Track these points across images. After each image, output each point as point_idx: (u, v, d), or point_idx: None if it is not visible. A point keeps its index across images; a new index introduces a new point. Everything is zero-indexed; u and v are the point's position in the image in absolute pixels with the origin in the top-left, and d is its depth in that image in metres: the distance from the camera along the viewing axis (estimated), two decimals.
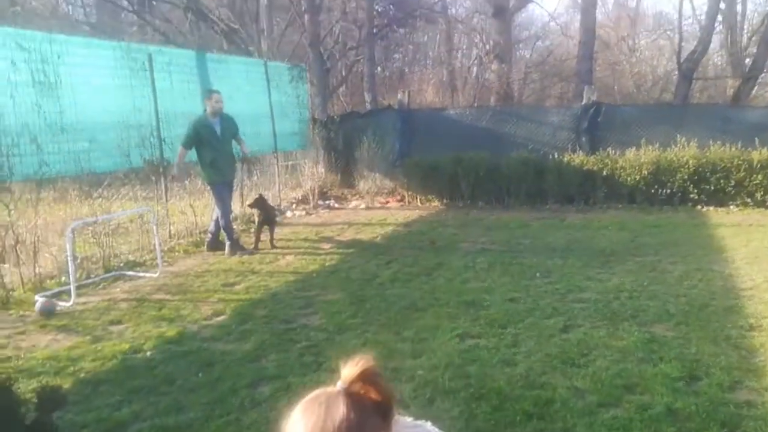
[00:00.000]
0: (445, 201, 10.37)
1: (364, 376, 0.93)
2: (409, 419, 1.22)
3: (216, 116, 6.77)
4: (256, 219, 7.32)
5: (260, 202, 7.24)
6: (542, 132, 11.08)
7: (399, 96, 11.53)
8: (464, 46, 22.66)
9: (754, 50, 16.45)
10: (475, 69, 19.92)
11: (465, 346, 3.99)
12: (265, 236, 7.21)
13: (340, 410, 0.90)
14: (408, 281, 5.61)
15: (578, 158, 9.95)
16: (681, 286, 5.18)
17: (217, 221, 7.00)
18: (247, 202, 7.73)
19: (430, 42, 23.63)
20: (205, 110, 6.82)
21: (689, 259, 6.08)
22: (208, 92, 6.98)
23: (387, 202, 10.68)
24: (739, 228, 7.71)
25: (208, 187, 7.12)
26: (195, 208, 7.91)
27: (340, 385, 0.93)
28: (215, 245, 7.07)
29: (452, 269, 5.97)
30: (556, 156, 10.09)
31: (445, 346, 3.97)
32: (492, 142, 10.69)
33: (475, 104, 15.32)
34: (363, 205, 10.41)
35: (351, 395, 0.92)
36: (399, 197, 10.82)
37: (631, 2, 22.90)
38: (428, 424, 1.23)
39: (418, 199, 10.65)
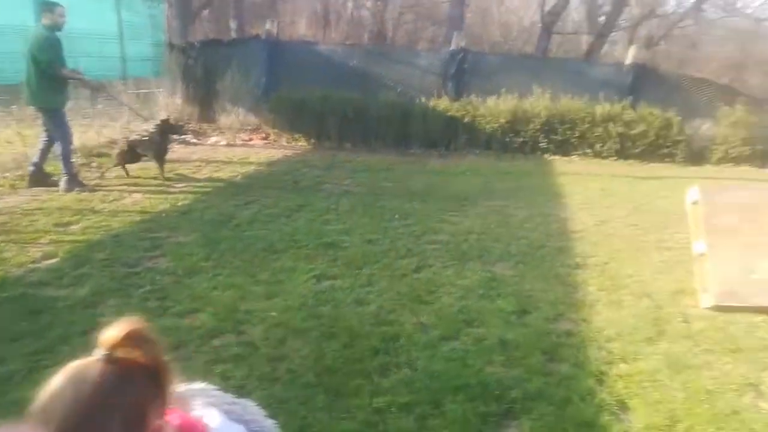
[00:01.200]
0: (312, 141, 10.18)
1: (128, 339, 0.84)
2: (229, 396, 1.16)
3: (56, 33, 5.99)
4: (123, 148, 6.74)
5: (167, 128, 6.89)
6: (412, 75, 11.16)
7: (267, 26, 10.90)
8: None
9: (608, 9, 17.72)
10: (350, 4, 19.44)
11: (321, 287, 4.02)
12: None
13: (96, 378, 0.80)
14: (267, 222, 5.48)
15: (443, 103, 10.22)
16: (523, 229, 5.61)
17: (44, 151, 6.29)
18: (150, 128, 7.01)
19: None
20: (44, 25, 5.95)
21: (532, 204, 6.57)
22: (49, 4, 6.06)
23: (250, 140, 10.24)
24: (578, 176, 8.46)
25: (44, 113, 6.29)
26: (25, 137, 7.01)
27: (98, 351, 0.84)
28: (39, 179, 6.34)
29: (314, 211, 5.93)
30: (423, 100, 10.27)
31: (300, 288, 3.96)
32: (362, 82, 10.59)
33: (348, 41, 15.02)
34: (224, 142, 9.88)
35: (112, 361, 0.83)
36: (264, 135, 10.41)
37: None
38: (249, 403, 1.18)
39: (284, 138, 10.34)
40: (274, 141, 10.28)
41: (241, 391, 2.58)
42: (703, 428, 2.57)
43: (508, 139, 10.13)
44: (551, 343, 3.31)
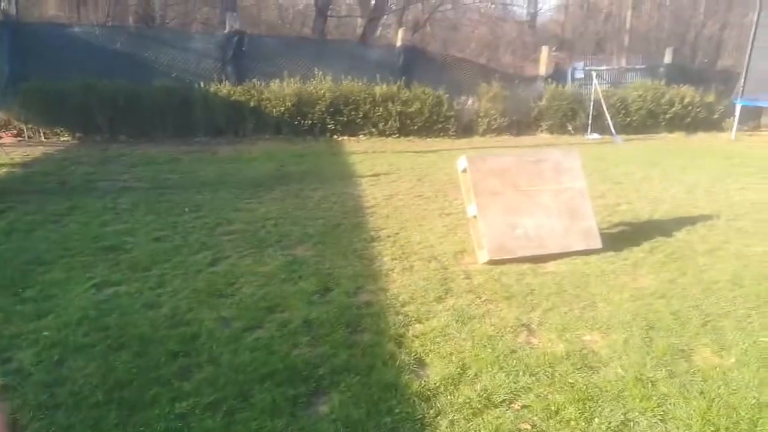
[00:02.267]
0: (77, 135, 9.08)
1: None
2: None
3: None
4: None
5: None
6: (187, 59, 10.55)
7: (2, 5, 9.29)
8: None
9: None
10: None
11: (103, 296, 3.60)
12: None
13: None
14: (30, 231, 4.75)
15: (225, 88, 9.86)
16: (319, 209, 5.70)
17: None
18: None
19: None
20: None
21: (327, 185, 6.72)
22: None
23: None
24: (366, 154, 8.86)
25: None
26: None
27: None
28: None
29: (88, 212, 5.30)
30: (202, 85, 9.77)
31: (78, 300, 3.51)
32: (131, 69, 9.71)
33: (109, 22, 13.56)
34: None
35: None
36: (15, 132, 8.98)
37: None
38: None
39: (42, 134, 9.03)
40: (30, 138, 8.93)
41: (14, 425, 2.22)
42: (488, 371, 2.88)
43: (296, 123, 10.17)
44: (353, 315, 3.42)
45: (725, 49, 22.51)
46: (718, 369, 2.95)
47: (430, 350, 3.06)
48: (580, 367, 2.94)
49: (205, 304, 3.52)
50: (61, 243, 4.47)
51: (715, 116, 13.67)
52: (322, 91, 10.23)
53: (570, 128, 12.26)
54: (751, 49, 12.91)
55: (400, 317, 3.41)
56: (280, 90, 10.08)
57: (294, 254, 4.44)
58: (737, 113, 12.91)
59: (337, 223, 5.24)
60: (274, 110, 9.97)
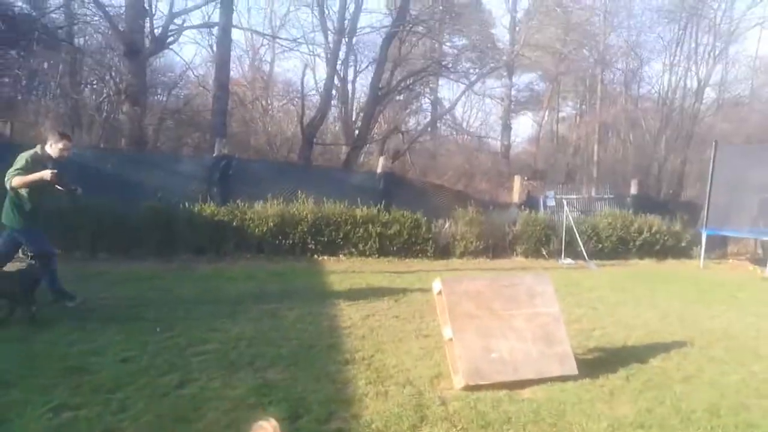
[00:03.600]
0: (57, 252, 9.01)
1: None
2: None
3: None
4: None
5: None
6: (175, 181, 10.87)
7: None
8: (94, 82, 20.79)
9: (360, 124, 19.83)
10: (105, 107, 18.43)
11: (60, 420, 3.44)
12: None
13: None
14: None
15: (209, 208, 10.08)
16: (294, 330, 5.64)
17: None
18: None
19: (51, 71, 20.90)
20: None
21: (304, 304, 6.69)
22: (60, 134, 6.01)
23: None
24: (345, 274, 8.92)
25: None
26: None
27: None
28: None
29: (56, 331, 5.16)
30: (186, 206, 9.99)
31: (32, 426, 3.34)
32: (120, 188, 9.94)
33: (102, 145, 14.09)
34: None
35: None
36: None
37: (265, 67, 24.99)
38: None
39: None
40: None
41: None
42: None
43: (278, 242, 10.31)
44: None
45: (688, 181, 23.85)
46: None
47: None
48: None
49: (167, 430, 3.37)
50: (24, 363, 4.32)
51: (683, 244, 14.18)
52: (305, 213, 10.51)
53: (544, 253, 12.58)
54: (711, 184, 13.73)
55: None
56: (263, 211, 10.34)
57: (266, 377, 4.33)
58: (704, 242, 13.42)
59: (311, 344, 5.16)
60: (256, 230, 10.14)
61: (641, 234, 13.58)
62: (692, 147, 23.25)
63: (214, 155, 11.06)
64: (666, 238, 13.91)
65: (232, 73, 17.86)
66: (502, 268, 10.87)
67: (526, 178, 16.96)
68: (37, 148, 5.86)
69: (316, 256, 10.45)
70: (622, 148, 25.17)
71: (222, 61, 14.57)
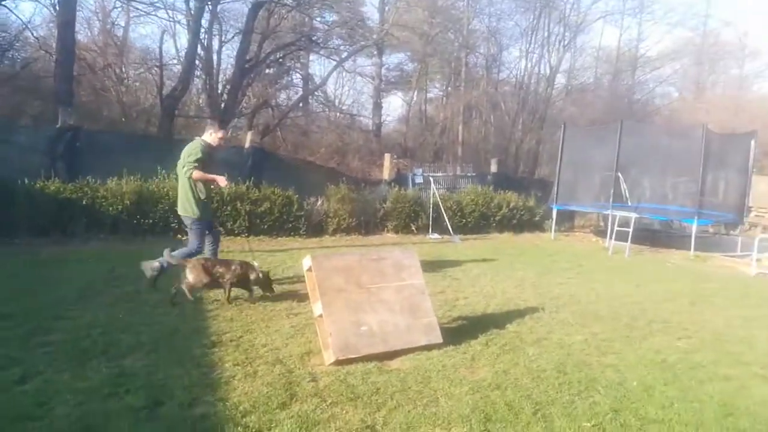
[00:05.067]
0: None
1: None
2: None
3: None
4: None
5: None
6: (11, 154, 9.64)
7: None
8: None
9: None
10: None
11: None
12: None
13: None
14: None
15: (54, 185, 9.09)
16: (155, 314, 5.29)
17: None
18: None
19: None
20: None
21: (166, 287, 6.27)
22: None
23: None
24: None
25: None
26: None
27: None
28: None
29: None
30: (26, 182, 8.92)
31: None
32: None
33: None
34: None
35: None
36: None
37: (119, 31, 22.85)
38: None
39: None
40: None
41: None
42: None
43: (135, 221, 9.60)
44: (187, 430, 3.12)
45: (542, 160, 25.89)
46: None
47: None
48: None
49: (8, 430, 3.00)
50: None
51: (537, 219, 15.40)
52: (166, 190, 9.85)
53: (413, 228, 13.00)
54: (560, 163, 15.02)
55: (239, 429, 3.18)
56: (117, 188, 9.53)
57: (122, 365, 4.02)
58: (554, 216, 14.68)
59: (174, 329, 4.87)
60: (110, 209, 9.33)
61: (501, 209, 14.52)
62: (545, 129, 25.23)
63: (58, 126, 9.96)
64: (522, 213, 15.01)
65: (79, 36, 16.19)
66: (373, 244, 11.07)
67: (395, 156, 17.36)
68: (202, 140, 6.31)
69: (179, 236, 9.86)
70: (484, 129, 26.62)
71: (65, 22, 13.05)
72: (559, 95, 28.04)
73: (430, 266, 8.14)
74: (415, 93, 28.20)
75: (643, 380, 4.36)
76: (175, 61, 20.83)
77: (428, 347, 4.69)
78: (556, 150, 15.57)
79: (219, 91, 19.75)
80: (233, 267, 5.87)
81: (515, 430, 3.39)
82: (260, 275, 6.01)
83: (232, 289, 5.86)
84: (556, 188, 14.91)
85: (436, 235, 12.79)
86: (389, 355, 4.48)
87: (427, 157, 22.58)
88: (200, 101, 22.00)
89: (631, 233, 12.29)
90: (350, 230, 11.99)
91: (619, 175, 14.18)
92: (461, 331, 5.34)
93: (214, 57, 19.93)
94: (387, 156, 15.38)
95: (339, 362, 4.26)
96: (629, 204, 14.30)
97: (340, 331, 4.40)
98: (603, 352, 5.00)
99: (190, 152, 6.20)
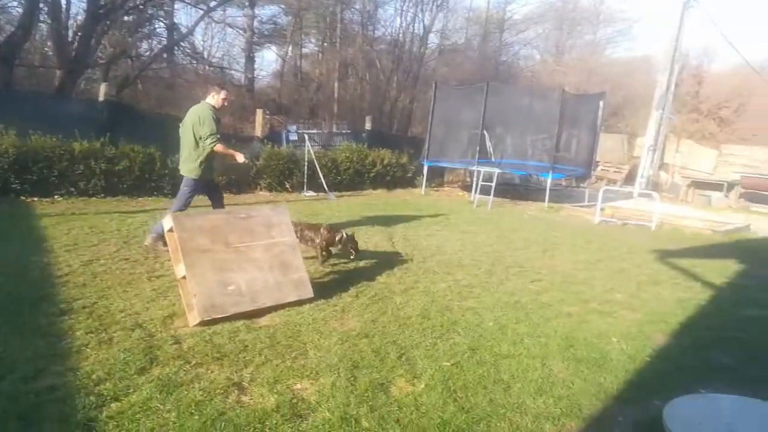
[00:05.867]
0: None
1: None
2: None
3: None
4: None
5: None
6: None
7: None
8: None
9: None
10: None
11: None
12: None
13: None
14: None
15: None
16: None
17: None
18: None
19: None
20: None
21: (4, 253, 5.65)
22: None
23: None
24: (62, 217, 7.80)
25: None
26: None
27: None
28: None
29: None
30: None
31: None
32: None
33: None
34: None
35: None
36: None
37: None
38: None
39: None
40: None
41: None
42: None
43: None
44: (30, 404, 2.87)
45: (415, 118, 26.49)
46: (410, 396, 3.27)
47: (127, 430, 2.73)
48: (290, 418, 2.96)
49: None
50: None
51: (409, 175, 15.84)
52: (4, 146, 8.76)
53: (288, 186, 12.81)
54: (431, 121, 15.47)
55: (92, 398, 2.98)
56: None
57: None
58: (425, 172, 15.19)
59: (15, 298, 4.41)
60: None
61: (375, 166, 14.72)
62: (419, 87, 25.74)
63: None
64: (395, 170, 15.34)
65: None
66: (246, 203, 10.77)
67: (267, 112, 16.82)
68: (209, 105, 6.39)
69: (22, 197, 8.89)
70: (360, 87, 26.59)
71: None
72: (432, 55, 28.64)
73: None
74: (290, 48, 27.36)
75: (499, 320, 4.71)
76: (15, 3, 18.33)
77: (299, 303, 4.70)
78: (429, 108, 15.99)
79: (69, 39, 17.71)
80: (322, 230, 6.15)
81: (380, 374, 3.52)
82: (345, 236, 6.24)
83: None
84: (427, 146, 15.38)
85: (311, 193, 12.72)
86: (259, 312, 4.42)
87: (303, 114, 22.20)
88: (46, 49, 19.64)
89: (493, 187, 13.08)
90: (221, 188, 11.51)
91: (485, 133, 14.94)
92: (333, 284, 5.40)
93: (63, 0, 17.79)
94: (259, 112, 14.87)
95: (204, 323, 4.14)
96: (493, 160, 15.16)
97: (206, 291, 4.26)
98: (464, 297, 5.33)
99: (201, 119, 6.31)
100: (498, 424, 3.05)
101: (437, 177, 17.13)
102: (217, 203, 6.87)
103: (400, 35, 27.13)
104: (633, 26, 53.05)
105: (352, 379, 3.42)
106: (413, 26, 27.09)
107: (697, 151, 21.04)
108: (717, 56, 33.81)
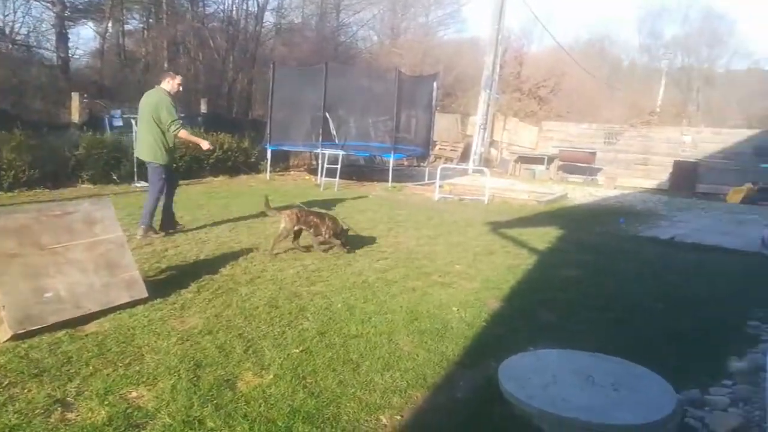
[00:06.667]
0: None
1: None
2: None
3: None
4: None
5: None
6: None
7: None
8: None
9: None
10: None
11: None
12: None
13: None
14: None
15: None
16: None
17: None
18: None
19: None
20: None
21: None
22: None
23: None
24: None
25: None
26: None
27: None
28: None
29: None
30: None
31: None
32: None
33: None
34: None
35: None
36: None
37: None
38: None
39: None
40: None
41: None
42: None
43: None
44: None
45: (255, 100, 25.68)
46: (258, 389, 3.17)
47: None
48: (124, 430, 2.71)
49: None
50: None
51: (252, 160, 15.37)
52: None
53: (115, 177, 11.71)
54: (271, 103, 15.10)
55: None
56: None
57: None
58: (269, 156, 14.84)
59: None
60: None
61: (214, 152, 14.04)
62: (257, 68, 24.94)
63: None
64: (237, 154, 14.78)
65: None
66: (66, 198, 9.64)
67: (86, 96, 15.19)
68: (165, 90, 6.64)
69: None
70: (193, 67, 25.07)
71: None
72: (269, 34, 27.88)
73: (136, 217, 7.46)
74: (110, 24, 24.87)
75: (347, 301, 4.76)
76: None
77: (133, 304, 4.32)
78: (268, 90, 15.56)
79: None
80: (327, 221, 6.36)
81: (226, 370, 3.37)
82: (343, 228, 6.50)
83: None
84: (269, 129, 15.00)
85: (142, 183, 11.76)
86: (85, 319, 3.99)
87: (130, 97, 20.38)
88: None
89: (339, 169, 13.20)
90: (33, 183, 10.20)
91: (327, 114, 14.95)
92: (171, 281, 5.05)
93: None
94: (75, 95, 13.36)
95: (18, 337, 3.63)
96: (337, 142, 15.26)
97: (17, 302, 3.73)
98: (313, 282, 5.30)
99: (159, 105, 6.49)
100: (347, 404, 3.07)
101: (282, 161, 16.85)
102: (172, 191, 7.14)
103: (234, 12, 26.02)
104: (461, 9, 56.32)
105: (194, 379, 3.23)
106: (247, 3, 26.14)
107: (521, 129, 23.10)
108: (535, 38, 37.25)
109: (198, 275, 5.22)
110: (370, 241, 7.04)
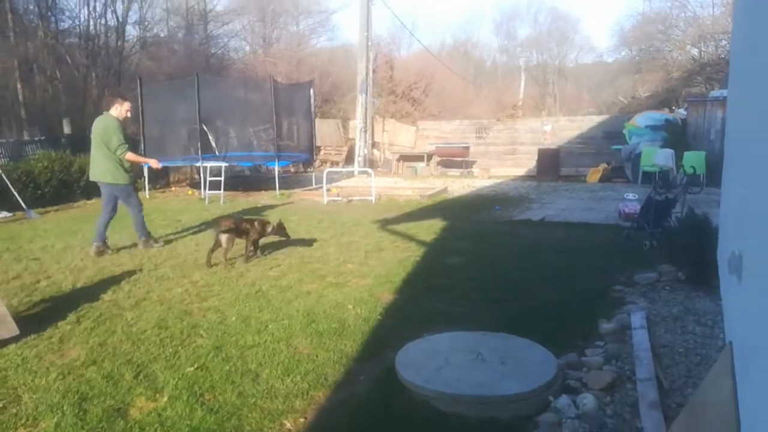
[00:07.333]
0: None
1: None
2: None
3: None
4: None
5: None
6: None
7: None
8: None
9: None
10: None
11: None
12: None
13: None
14: None
15: None
16: None
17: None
18: None
19: None
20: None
21: None
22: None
23: None
24: None
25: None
26: None
27: None
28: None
29: None
30: None
31: None
32: None
33: None
34: None
35: None
36: None
37: None
38: None
39: None
40: None
41: None
42: None
43: None
44: None
45: (125, 118, 24.17)
46: (153, 413, 3.06)
47: None
48: None
49: None
50: None
51: None
52: None
53: None
54: (143, 120, 14.35)
55: None
56: None
57: None
58: (146, 174, 14.08)
59: None
60: None
61: (84, 174, 13.07)
62: (123, 84, 23.50)
63: None
64: None
65: None
66: None
67: None
68: (113, 117, 7.01)
69: None
70: (51, 87, 23.15)
71: None
72: (133, 48, 26.41)
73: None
74: None
75: (241, 313, 4.69)
76: None
77: (1, 344, 3.96)
78: (138, 106, 14.75)
79: None
80: (255, 224, 6.63)
81: (116, 399, 3.20)
82: (274, 226, 6.84)
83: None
84: (143, 146, 14.24)
85: (5, 213, 10.72)
86: None
87: None
88: None
89: (223, 181, 12.84)
90: None
91: (204, 127, 14.48)
92: (45, 315, 4.68)
93: None
94: None
95: None
96: (218, 154, 14.83)
97: None
98: (204, 298, 5.15)
99: (108, 130, 6.86)
100: (249, 414, 3.05)
101: (162, 177, 16.05)
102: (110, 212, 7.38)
103: (92, 27, 24.36)
104: (331, 17, 56.75)
105: (80, 413, 3.04)
106: (105, 17, 24.58)
107: (399, 129, 23.75)
108: (404, 44, 38.37)
109: (76, 305, 4.87)
110: (262, 249, 6.94)
